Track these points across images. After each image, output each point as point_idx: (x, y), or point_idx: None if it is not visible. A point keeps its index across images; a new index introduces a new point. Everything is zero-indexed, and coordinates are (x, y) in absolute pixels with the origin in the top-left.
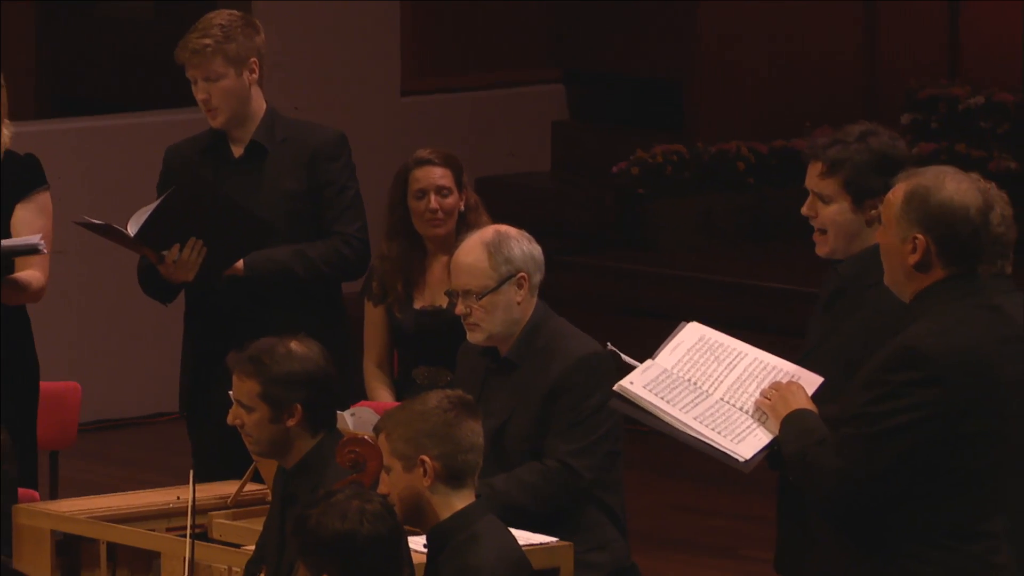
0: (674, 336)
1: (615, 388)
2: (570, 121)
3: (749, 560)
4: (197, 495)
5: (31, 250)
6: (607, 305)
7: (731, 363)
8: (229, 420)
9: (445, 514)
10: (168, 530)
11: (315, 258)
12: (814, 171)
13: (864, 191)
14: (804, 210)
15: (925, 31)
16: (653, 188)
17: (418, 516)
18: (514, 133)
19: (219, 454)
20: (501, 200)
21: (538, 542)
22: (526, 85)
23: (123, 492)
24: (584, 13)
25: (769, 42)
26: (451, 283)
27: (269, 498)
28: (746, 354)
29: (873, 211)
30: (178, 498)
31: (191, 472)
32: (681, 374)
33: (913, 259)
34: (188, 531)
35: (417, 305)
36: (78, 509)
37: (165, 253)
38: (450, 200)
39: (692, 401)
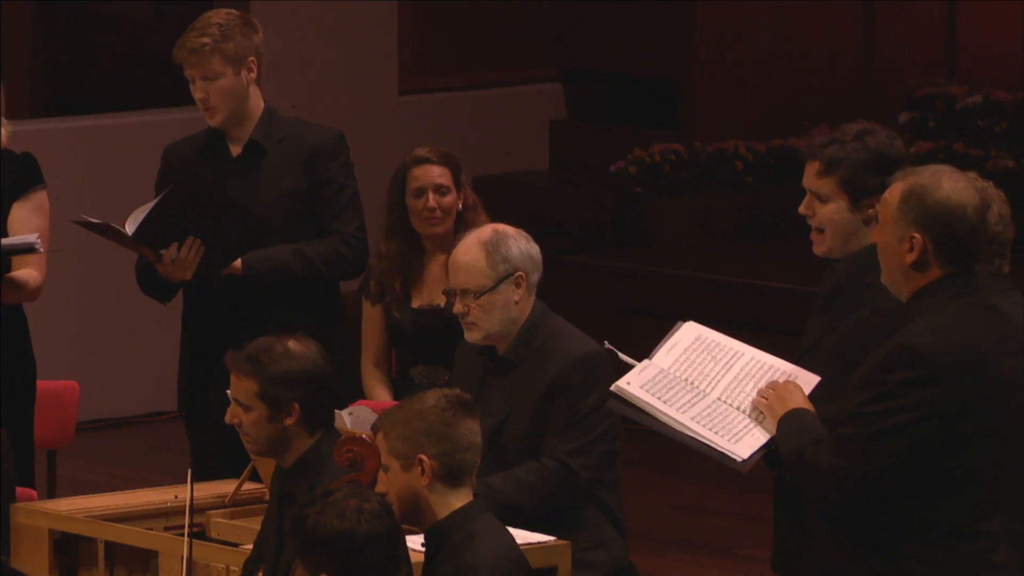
0: (671, 336)
1: (612, 388)
2: (568, 120)
3: (747, 559)
4: (195, 494)
5: (28, 249)
6: (605, 304)
7: (728, 363)
8: (227, 419)
9: (443, 513)
10: (166, 529)
11: (313, 257)
12: (811, 170)
13: (861, 190)
14: (801, 209)
15: (923, 31)
16: (651, 187)
17: (416, 515)
18: (512, 132)
19: (217, 453)
20: (499, 199)
21: (536, 541)
22: (524, 84)
23: (121, 491)
24: (582, 12)
25: (767, 41)
26: (449, 282)
27: (267, 497)
28: (743, 353)
29: (870, 210)
30: (176, 497)
31: (189, 471)
32: (678, 374)
33: (910, 258)
34: (186, 530)
35: (415, 304)
36: (76, 508)
37: (163, 252)
38: (448, 199)
39: (689, 401)
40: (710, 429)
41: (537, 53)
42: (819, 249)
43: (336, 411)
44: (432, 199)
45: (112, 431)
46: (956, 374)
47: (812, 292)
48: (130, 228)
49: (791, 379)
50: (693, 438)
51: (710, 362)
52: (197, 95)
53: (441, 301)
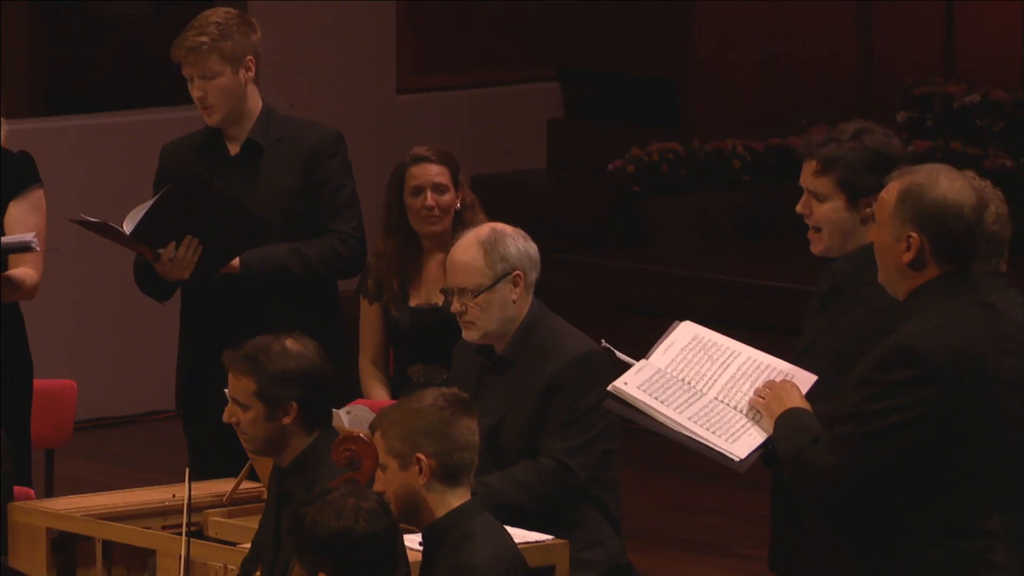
0: (667, 335)
1: (609, 388)
2: (566, 119)
3: (745, 558)
4: (193, 493)
5: (24, 247)
6: (603, 303)
7: (724, 362)
8: (225, 418)
9: (440, 512)
10: (164, 528)
11: (311, 256)
12: (809, 169)
13: (858, 189)
14: (799, 208)
15: (922, 30)
16: (649, 186)
17: (414, 514)
18: (510, 131)
19: (215, 452)
20: (497, 198)
21: (534, 540)
22: (522, 83)
23: (119, 490)
24: (580, 12)
25: (765, 40)
26: (447, 281)
27: (265, 496)
28: (739, 353)
29: (868, 209)
30: (174, 496)
31: (187, 470)
32: (675, 374)
33: (907, 257)
34: (184, 529)
35: (413, 303)
36: (74, 507)
37: (161, 251)
38: (446, 197)
39: (686, 401)
40: (707, 429)
41: (535, 52)
42: (816, 248)
43: (334, 410)
44: (430, 198)
45: (110, 430)
46: (953, 373)
47: (810, 291)
48: (128, 227)
49: (788, 378)
50: (691, 438)
51: (707, 361)
52: (195, 94)
53: (439, 300)
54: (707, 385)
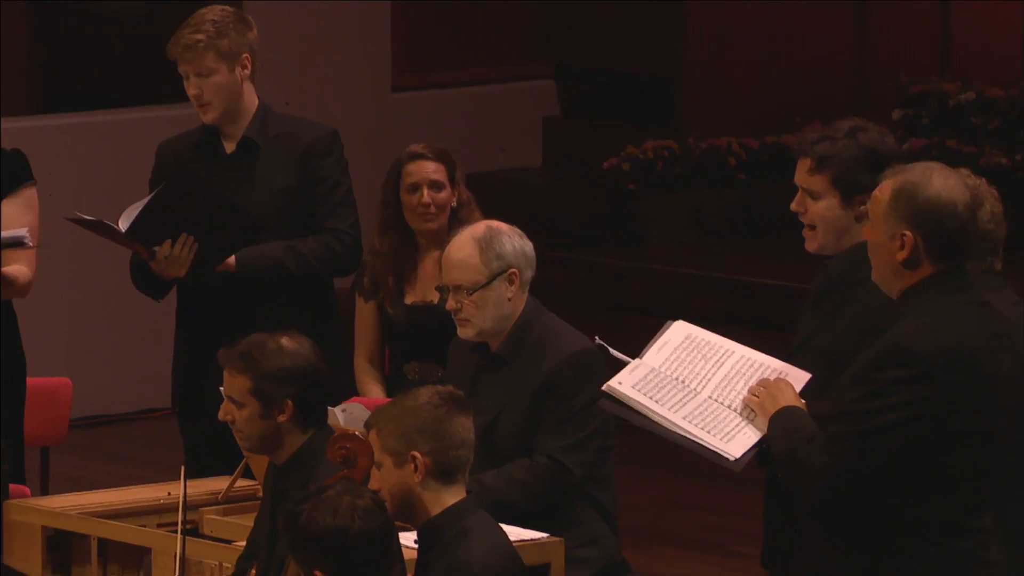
0: (661, 335)
1: (603, 388)
2: (561, 117)
3: (740, 556)
4: (188, 491)
5: (17, 243)
6: (598, 301)
7: (718, 361)
8: (220, 416)
9: (436, 510)
10: (159, 526)
11: (307, 254)
12: (803, 167)
13: (853, 187)
14: (793, 206)
15: (917, 29)
16: (644, 184)
17: (409, 512)
18: (506, 129)
19: (211, 450)
20: (492, 196)
21: (529, 538)
22: (517, 81)
23: (114, 488)
24: (576, 9)
25: (761, 38)
26: (442, 278)
27: (260, 494)
28: (733, 351)
29: (862, 207)
30: (169, 494)
31: (182, 468)
32: (669, 373)
33: (901, 256)
34: (179, 527)
35: (408, 300)
36: (69, 505)
37: (156, 249)
38: (443, 195)
39: (681, 400)
40: (702, 428)
41: (530, 50)
42: (811, 246)
43: (329, 408)
44: (427, 195)
45: (105, 428)
46: (948, 372)
47: (805, 289)
48: (124, 225)
49: (782, 376)
50: (686, 437)
51: (700, 360)
52: (191, 91)
53: (434, 297)
54: (701, 384)
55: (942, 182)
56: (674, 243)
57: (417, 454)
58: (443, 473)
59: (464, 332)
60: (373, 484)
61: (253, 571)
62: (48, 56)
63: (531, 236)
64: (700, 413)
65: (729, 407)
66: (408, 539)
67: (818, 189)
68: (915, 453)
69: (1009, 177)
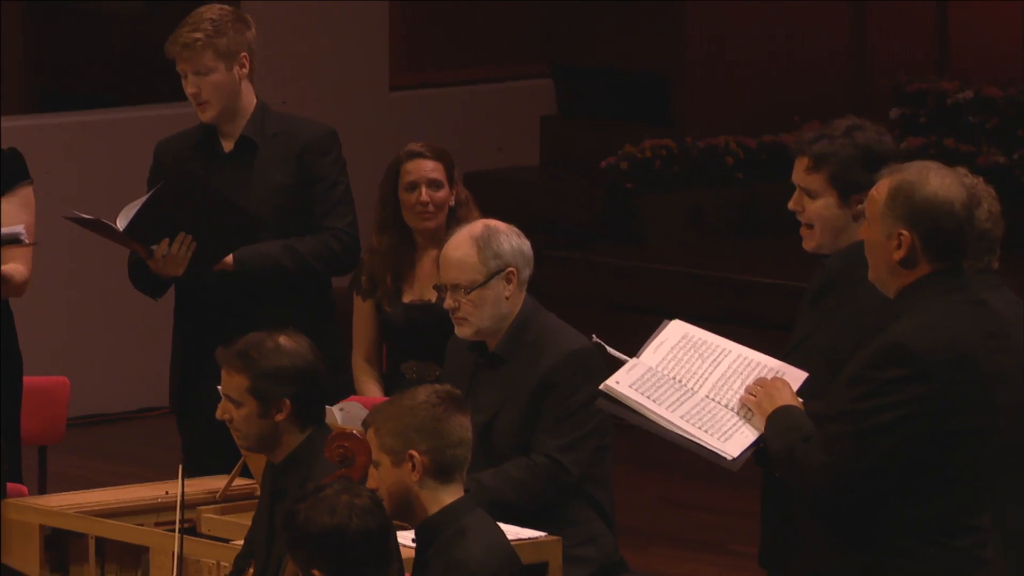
0: (657, 334)
1: (601, 388)
2: (559, 116)
3: (737, 555)
4: (186, 490)
5: (13, 239)
6: (596, 300)
7: (715, 360)
8: (218, 415)
9: (433, 509)
10: (157, 525)
11: (305, 253)
12: (800, 166)
13: (850, 186)
14: (791, 205)
15: (915, 28)
16: (642, 183)
17: (406, 511)
18: (503, 128)
19: (208, 449)
20: (490, 195)
21: (527, 537)
22: (515, 80)
23: (112, 487)
24: (573, 8)
25: (759, 37)
26: (440, 277)
27: (258, 493)
28: (730, 351)
29: (859, 206)
30: (167, 493)
31: (180, 467)
32: (666, 372)
33: (898, 255)
34: (177, 526)
35: (406, 299)
36: (67, 504)
37: (154, 248)
38: (441, 193)
39: (678, 399)
40: (700, 427)
41: (528, 49)
42: (809, 245)
43: (327, 407)
44: (425, 193)
45: (103, 427)
46: (945, 371)
47: (803, 287)
48: (122, 224)
49: (779, 375)
50: (683, 437)
51: (697, 360)
52: (189, 90)
53: (432, 296)
54: (698, 383)
55: (939, 181)
56: (672, 242)
57: (415, 453)
58: (441, 472)
59: (462, 331)
60: (371, 483)
61: (251, 570)
62: (47, 55)
63: (529, 235)
64: (697, 412)
65: (726, 406)
66: (406, 538)
67: (815, 188)
68: (913, 452)
69: (1007, 176)
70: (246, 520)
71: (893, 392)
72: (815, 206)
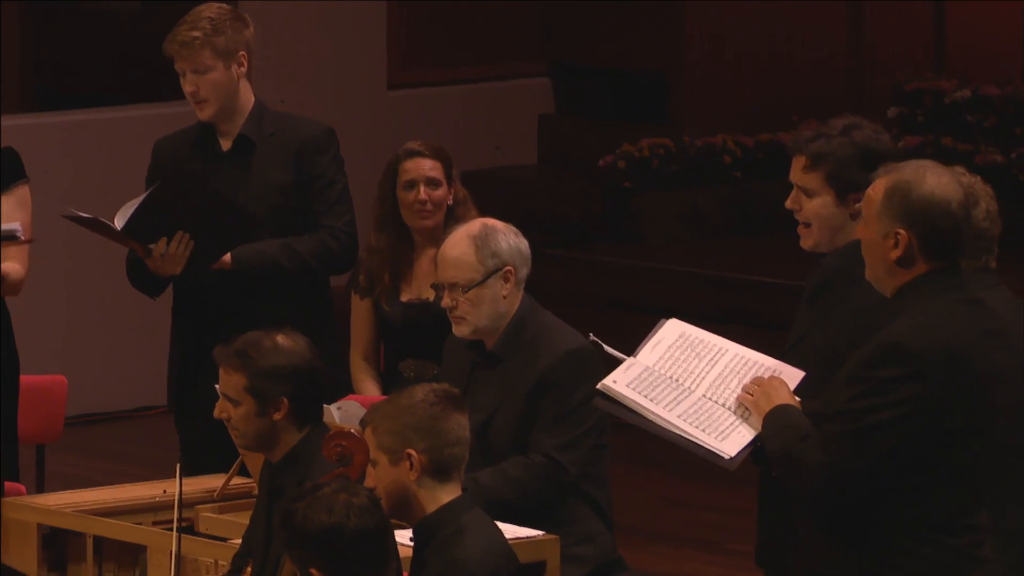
0: (654, 333)
1: (598, 387)
2: (556, 115)
3: (735, 554)
4: (184, 489)
5: (10, 236)
6: (593, 299)
7: (712, 359)
8: (215, 414)
9: (431, 508)
10: (155, 524)
11: (303, 252)
12: (798, 165)
13: (847, 185)
14: (788, 204)
15: (913, 27)
16: (639, 182)
17: (404, 510)
18: (501, 127)
19: (206, 448)
20: (488, 194)
21: (524, 536)
22: (513, 79)
23: (110, 486)
24: (571, 7)
25: (757, 36)
26: (437, 276)
27: (256, 492)
28: (727, 350)
29: (857, 205)
30: (165, 492)
31: (178, 466)
32: (663, 371)
33: (895, 254)
34: (175, 525)
35: (404, 298)
36: (64, 503)
37: (152, 247)
38: (439, 192)
39: (675, 399)
40: (697, 427)
41: (526, 48)
42: (806, 243)
43: (325, 406)
44: (423, 192)
45: (101, 426)
46: (942, 370)
47: (800, 286)
48: (120, 222)
49: (775, 374)
50: (680, 436)
51: (694, 359)
52: (187, 88)
53: (430, 295)
54: (695, 382)
55: (935, 180)
56: (669, 240)
57: (412, 452)
58: (438, 471)
59: (459, 330)
60: (369, 482)
61: (249, 569)
62: (46, 55)
63: (526, 234)
64: (695, 411)
65: (723, 405)
66: (404, 537)
67: (813, 187)
68: (910, 451)
69: (1005, 175)
70: (244, 519)
71: (890, 391)
72: (812, 205)
